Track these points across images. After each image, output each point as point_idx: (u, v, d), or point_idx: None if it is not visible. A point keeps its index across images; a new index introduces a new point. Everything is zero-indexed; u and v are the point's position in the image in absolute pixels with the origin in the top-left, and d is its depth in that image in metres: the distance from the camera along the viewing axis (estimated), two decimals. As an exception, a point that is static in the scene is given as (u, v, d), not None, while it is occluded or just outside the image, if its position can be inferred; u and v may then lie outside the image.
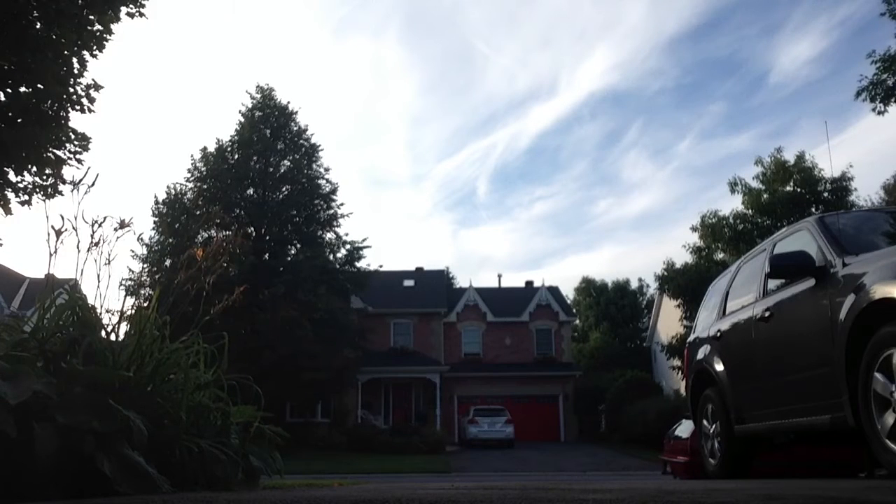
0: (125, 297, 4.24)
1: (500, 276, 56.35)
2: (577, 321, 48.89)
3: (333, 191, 32.89)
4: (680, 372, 26.63)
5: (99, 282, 3.63)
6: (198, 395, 3.72)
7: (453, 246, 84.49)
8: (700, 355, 6.62)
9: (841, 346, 4.07)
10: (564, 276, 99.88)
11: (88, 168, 3.69)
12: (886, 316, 3.69)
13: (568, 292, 49.64)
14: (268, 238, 31.81)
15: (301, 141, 32.94)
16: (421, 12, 78.80)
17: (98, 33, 10.86)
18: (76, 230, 3.54)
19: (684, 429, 10.56)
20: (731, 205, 52.34)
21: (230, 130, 34.52)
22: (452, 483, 5.68)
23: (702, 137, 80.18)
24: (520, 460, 25.77)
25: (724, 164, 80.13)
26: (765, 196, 28.11)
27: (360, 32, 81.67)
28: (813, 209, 26.29)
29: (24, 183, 10.83)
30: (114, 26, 10.98)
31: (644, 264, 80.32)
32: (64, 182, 10.83)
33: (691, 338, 7.24)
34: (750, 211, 28.53)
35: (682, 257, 31.58)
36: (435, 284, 41.15)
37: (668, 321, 35.16)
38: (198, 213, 29.86)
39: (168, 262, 28.07)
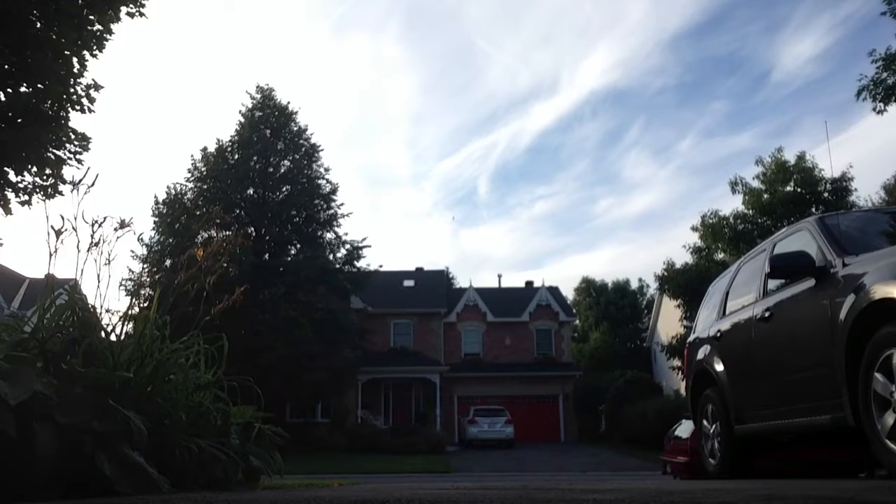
0: (127, 297, 4.25)
1: (500, 276, 56.59)
2: (577, 321, 48.88)
3: (333, 191, 32.95)
4: (680, 372, 26.62)
5: (99, 282, 3.63)
6: (198, 395, 3.72)
7: (453, 246, 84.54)
8: (700, 355, 6.62)
9: (841, 346, 4.07)
10: (564, 276, 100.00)
11: (88, 168, 3.70)
12: (886, 316, 3.69)
13: (568, 292, 49.69)
14: (268, 238, 31.82)
15: (301, 141, 32.98)
16: (421, 9, 78.88)
17: (98, 33, 10.87)
18: (76, 230, 3.54)
19: (684, 429, 10.57)
20: (732, 204, 52.38)
21: (230, 131, 34.61)
22: (452, 483, 5.68)
23: (703, 136, 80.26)
24: (520, 460, 25.78)
25: (725, 163, 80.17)
26: (765, 196, 28.13)
27: (360, 30, 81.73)
28: (813, 209, 26.29)
29: (24, 183, 10.84)
30: (114, 26, 10.99)
31: (644, 264, 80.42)
32: (64, 182, 10.86)
33: (691, 338, 7.24)
34: (750, 211, 28.54)
35: (683, 257, 31.62)
36: (435, 284, 41.15)
37: (668, 321, 35.16)
38: (198, 213, 29.88)
39: (168, 263, 28.08)
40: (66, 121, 10.89)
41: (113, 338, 3.53)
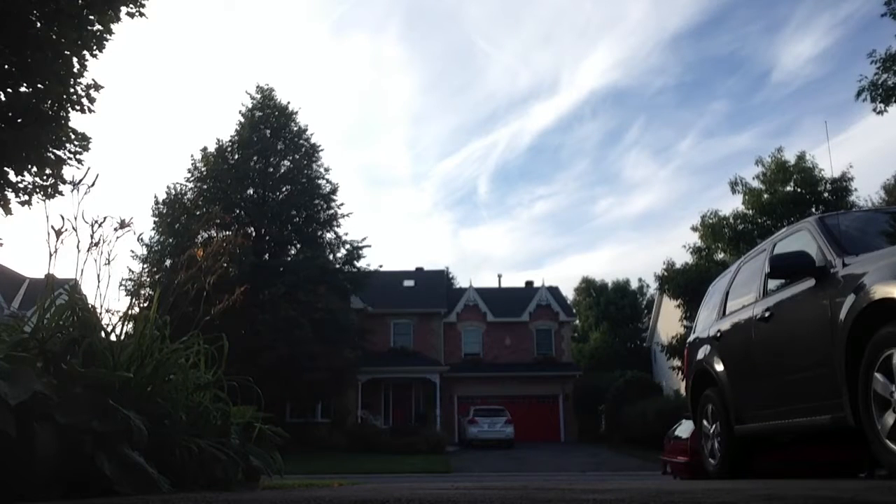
0: (127, 297, 4.25)
1: (500, 276, 56.63)
2: (577, 321, 48.88)
3: (333, 191, 32.96)
4: (680, 372, 26.61)
5: (99, 282, 3.63)
6: (198, 395, 3.72)
7: (453, 246, 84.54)
8: (700, 355, 6.62)
9: (841, 346, 4.06)
10: (564, 276, 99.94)
11: (88, 168, 3.70)
12: (886, 316, 3.69)
13: (568, 292, 49.68)
14: (268, 238, 31.83)
15: (301, 141, 32.99)
16: (421, 9, 78.89)
17: (98, 33, 10.86)
18: (76, 230, 3.54)
19: (684, 429, 10.57)
20: (732, 205, 52.41)
21: (230, 131, 34.63)
22: (452, 483, 5.68)
23: (703, 136, 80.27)
24: (520, 460, 25.77)
25: (725, 163, 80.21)
26: (765, 196, 28.14)
27: (360, 30, 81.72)
28: (813, 209, 26.30)
29: (24, 183, 10.83)
30: (114, 26, 10.99)
31: (644, 264, 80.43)
32: (64, 182, 10.86)
33: (691, 338, 7.24)
34: (750, 211, 28.55)
35: (683, 257, 31.62)
36: (435, 284, 41.15)
37: (668, 321, 35.16)
38: (198, 213, 29.88)
39: (168, 263, 28.08)
40: (66, 121, 10.89)
41: (113, 338, 3.53)
